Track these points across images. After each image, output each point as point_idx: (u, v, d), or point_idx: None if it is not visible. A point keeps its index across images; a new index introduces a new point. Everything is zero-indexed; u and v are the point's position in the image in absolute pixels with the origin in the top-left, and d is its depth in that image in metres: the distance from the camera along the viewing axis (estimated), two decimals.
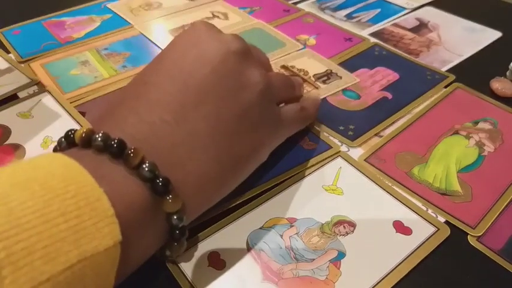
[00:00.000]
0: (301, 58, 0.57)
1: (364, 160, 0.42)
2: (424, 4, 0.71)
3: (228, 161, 0.32)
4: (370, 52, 0.59)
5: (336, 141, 0.45)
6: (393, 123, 0.47)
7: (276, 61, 0.57)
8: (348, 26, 0.65)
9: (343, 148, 0.44)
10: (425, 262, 0.34)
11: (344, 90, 0.52)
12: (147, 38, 0.62)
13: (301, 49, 0.59)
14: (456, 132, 0.46)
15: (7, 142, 0.44)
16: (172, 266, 0.33)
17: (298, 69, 0.55)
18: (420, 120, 0.47)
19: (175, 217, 0.28)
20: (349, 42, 0.61)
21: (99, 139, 0.27)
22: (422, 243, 0.35)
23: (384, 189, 0.39)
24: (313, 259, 0.34)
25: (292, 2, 0.73)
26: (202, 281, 0.32)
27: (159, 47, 0.60)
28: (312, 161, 0.42)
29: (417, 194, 0.39)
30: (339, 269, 0.33)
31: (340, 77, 0.54)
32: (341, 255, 0.34)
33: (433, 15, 0.69)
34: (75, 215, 0.22)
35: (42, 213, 0.21)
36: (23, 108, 0.49)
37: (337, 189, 0.39)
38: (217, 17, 0.67)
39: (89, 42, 0.61)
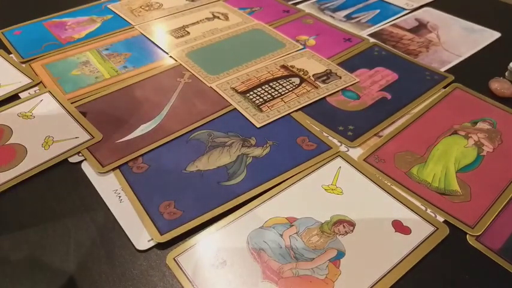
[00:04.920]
0: (300, 58, 0.58)
1: (364, 160, 0.43)
2: (423, 5, 0.72)
3: None
4: (369, 52, 0.59)
5: (336, 141, 0.45)
6: (392, 123, 0.47)
7: (276, 61, 0.57)
8: (347, 27, 0.66)
9: (343, 148, 0.44)
10: (425, 261, 0.34)
11: (344, 91, 0.52)
12: (147, 38, 0.62)
13: (300, 49, 0.60)
14: (455, 132, 0.46)
15: (8, 142, 0.44)
16: (173, 265, 0.33)
17: (297, 69, 0.55)
18: (419, 121, 0.48)
19: None
20: (348, 43, 0.61)
21: None
22: (422, 243, 0.35)
23: (383, 189, 0.40)
24: (313, 258, 0.34)
25: (292, 2, 0.73)
26: (202, 280, 0.32)
27: (159, 48, 0.60)
28: (312, 161, 0.42)
29: (416, 194, 0.39)
30: (338, 268, 0.33)
31: (340, 77, 0.54)
32: (340, 254, 0.34)
33: (432, 15, 0.69)
34: None
35: None
36: (24, 108, 0.49)
37: (337, 189, 0.40)
38: (218, 17, 0.68)
39: (89, 42, 0.61)
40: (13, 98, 0.51)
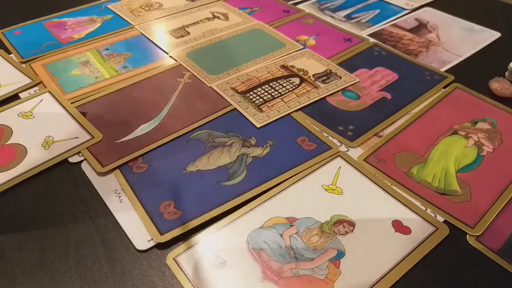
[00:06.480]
0: (300, 58, 0.58)
1: (364, 160, 0.43)
2: (423, 5, 0.72)
3: None
4: (369, 52, 0.59)
5: (336, 141, 0.45)
6: (392, 123, 0.47)
7: (276, 61, 0.57)
8: (347, 27, 0.66)
9: (343, 148, 0.44)
10: (425, 261, 0.34)
11: (344, 91, 0.52)
12: (147, 38, 0.62)
13: (300, 49, 0.60)
14: (455, 132, 0.46)
15: (8, 142, 0.44)
16: (173, 265, 0.33)
17: (297, 69, 0.55)
18: (419, 120, 0.48)
19: None
20: (348, 43, 0.61)
21: None
22: (422, 243, 0.35)
23: (383, 189, 0.40)
24: (313, 258, 0.34)
25: (292, 2, 0.73)
26: (202, 280, 0.32)
27: (159, 48, 0.60)
28: (312, 161, 0.42)
29: (416, 194, 0.39)
30: (338, 268, 0.33)
31: (340, 77, 0.54)
32: (340, 254, 0.34)
33: (432, 15, 0.69)
34: None
35: None
36: (24, 108, 0.49)
37: (337, 189, 0.40)
38: (218, 17, 0.68)
39: (89, 42, 0.61)
40: (13, 98, 0.51)
